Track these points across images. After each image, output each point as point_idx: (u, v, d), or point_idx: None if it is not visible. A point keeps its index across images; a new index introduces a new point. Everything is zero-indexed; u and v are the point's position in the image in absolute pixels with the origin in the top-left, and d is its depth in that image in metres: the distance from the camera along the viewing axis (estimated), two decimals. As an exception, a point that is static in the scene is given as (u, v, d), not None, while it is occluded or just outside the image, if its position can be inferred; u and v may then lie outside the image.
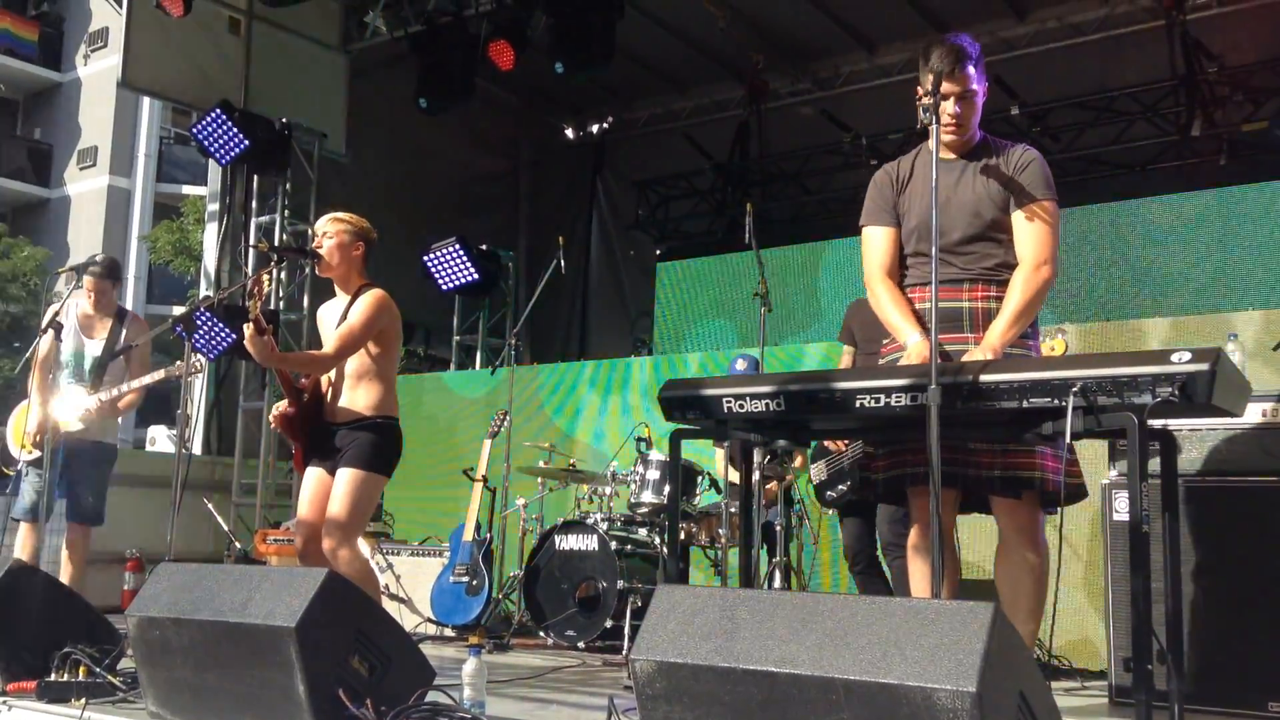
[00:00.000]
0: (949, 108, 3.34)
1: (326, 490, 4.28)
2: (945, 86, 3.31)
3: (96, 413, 5.47)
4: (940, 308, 3.35)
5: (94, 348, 5.67)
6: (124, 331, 5.72)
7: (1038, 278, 3.28)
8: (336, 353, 4.24)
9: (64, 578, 5.53)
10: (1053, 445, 3.21)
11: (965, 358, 3.21)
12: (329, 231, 4.43)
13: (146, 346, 5.78)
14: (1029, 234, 3.32)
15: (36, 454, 5.41)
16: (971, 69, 3.33)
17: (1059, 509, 3.36)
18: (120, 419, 5.85)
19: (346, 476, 4.21)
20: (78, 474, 5.54)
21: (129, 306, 5.99)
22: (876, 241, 3.55)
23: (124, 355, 5.63)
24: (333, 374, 4.38)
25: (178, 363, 5.42)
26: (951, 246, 3.38)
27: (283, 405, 4.36)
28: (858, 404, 3.13)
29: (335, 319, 4.41)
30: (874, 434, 3.59)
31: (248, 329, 4.05)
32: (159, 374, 5.50)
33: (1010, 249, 3.36)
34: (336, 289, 4.52)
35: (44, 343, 5.21)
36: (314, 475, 4.36)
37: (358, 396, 4.31)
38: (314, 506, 4.30)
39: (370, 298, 4.34)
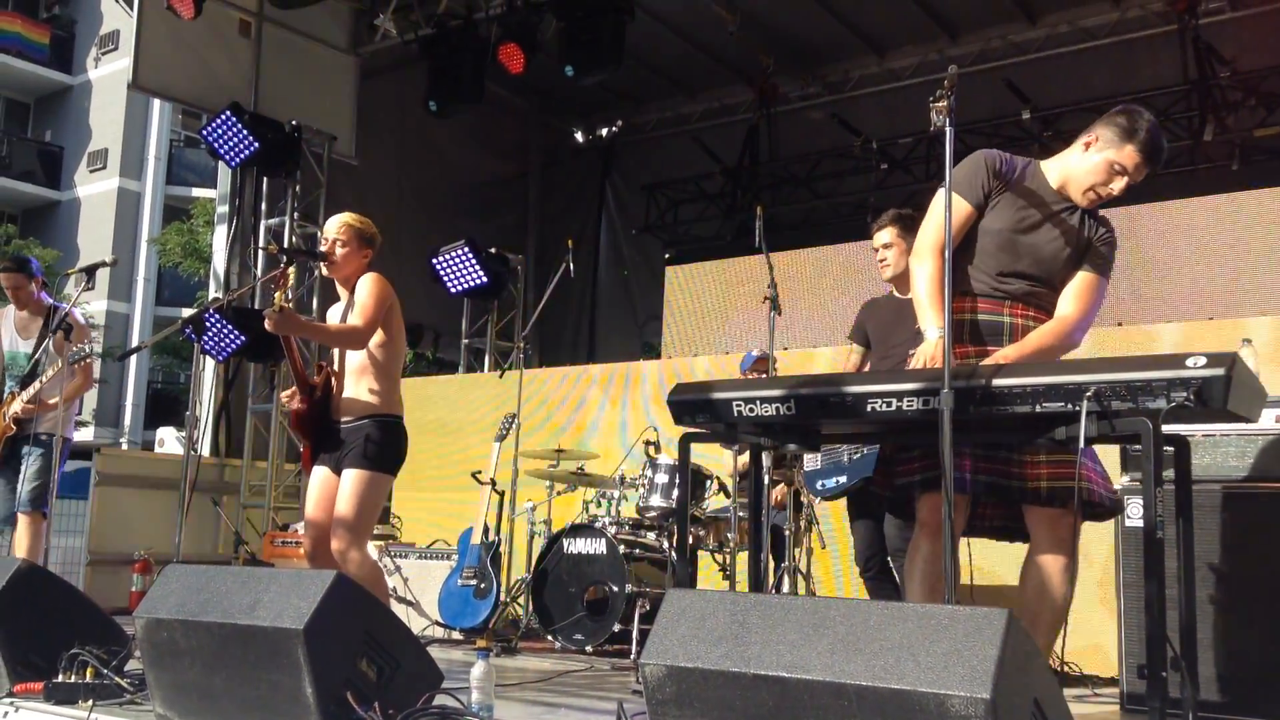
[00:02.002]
0: (1114, 187, 3.34)
1: (333, 490, 4.27)
2: (1138, 170, 3.32)
3: (25, 415, 5.52)
4: (982, 320, 3.38)
5: (27, 346, 5.75)
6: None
7: (1068, 341, 3.32)
8: (366, 325, 4.22)
9: None
10: (1090, 457, 3.19)
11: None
12: (340, 237, 4.45)
13: (81, 338, 5.72)
14: (1079, 299, 3.35)
15: None
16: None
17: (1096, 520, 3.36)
18: (71, 411, 5.78)
19: (351, 477, 4.20)
20: (21, 465, 5.57)
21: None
22: (953, 211, 3.26)
23: (57, 350, 5.53)
24: (337, 368, 4.40)
25: (79, 347, 5.33)
26: (1018, 264, 3.37)
27: (294, 402, 4.36)
28: (869, 408, 3.11)
29: (337, 317, 4.46)
30: (893, 438, 3.57)
31: (268, 311, 4.09)
32: (59, 364, 5.43)
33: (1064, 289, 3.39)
34: (340, 291, 4.54)
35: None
36: (320, 475, 4.35)
37: (361, 393, 4.31)
38: (321, 507, 4.29)
39: (370, 277, 4.35)
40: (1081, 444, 2.82)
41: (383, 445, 4.26)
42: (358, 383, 4.31)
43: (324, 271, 4.54)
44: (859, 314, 5.06)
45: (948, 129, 3.06)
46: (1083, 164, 3.37)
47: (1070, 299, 3.35)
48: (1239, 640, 3.88)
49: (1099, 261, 3.38)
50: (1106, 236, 3.41)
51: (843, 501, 5.54)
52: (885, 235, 4.70)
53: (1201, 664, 3.64)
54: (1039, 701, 2.15)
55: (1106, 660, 5.09)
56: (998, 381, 2.94)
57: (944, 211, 3.09)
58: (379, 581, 4.32)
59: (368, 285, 4.33)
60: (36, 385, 5.51)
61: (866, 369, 4.88)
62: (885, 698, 2.09)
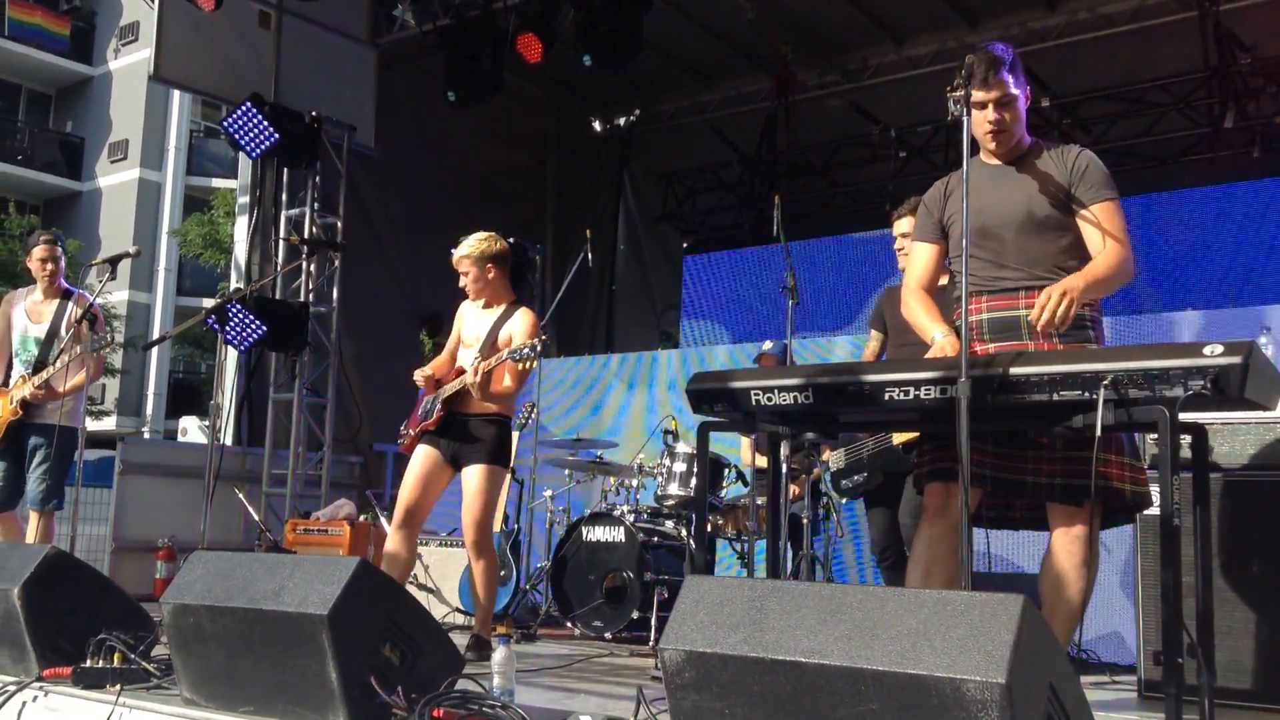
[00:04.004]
0: (988, 114, 3.32)
1: (434, 470, 4.76)
2: (981, 94, 3.29)
3: (33, 400, 5.53)
4: (996, 317, 3.36)
5: (38, 331, 5.74)
6: (69, 311, 5.73)
7: (1121, 253, 3.24)
8: (516, 385, 4.73)
9: None
10: (1116, 452, 3.19)
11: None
12: (462, 269, 4.86)
13: (99, 329, 5.72)
14: (1104, 235, 3.28)
15: None
16: (1007, 74, 3.29)
17: (1128, 520, 3.36)
18: (79, 401, 5.76)
19: (479, 472, 4.70)
20: (31, 459, 5.57)
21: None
22: (919, 257, 3.57)
23: (72, 335, 5.58)
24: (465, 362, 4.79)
25: (94, 337, 5.41)
26: (1003, 245, 3.35)
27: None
28: (886, 396, 3.12)
29: (480, 326, 4.87)
30: (912, 427, 3.58)
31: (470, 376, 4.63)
32: (75, 350, 5.48)
33: (1066, 247, 3.33)
34: (484, 304, 4.96)
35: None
36: (426, 453, 4.77)
37: (493, 394, 4.73)
38: (421, 483, 4.75)
39: (529, 325, 4.76)
40: (1099, 432, 2.83)
41: (501, 443, 4.78)
42: (492, 383, 4.70)
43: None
44: (878, 300, 5.08)
45: (965, 118, 3.07)
46: (972, 125, 3.38)
47: (1099, 239, 3.28)
48: (1257, 628, 3.89)
49: (1091, 188, 3.30)
50: (1078, 162, 3.33)
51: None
52: (905, 224, 4.71)
53: (1219, 651, 3.65)
54: (1054, 687, 2.17)
55: (1125, 648, 5.10)
56: (1014, 370, 2.95)
57: (942, 250, 3.10)
58: (496, 574, 4.91)
59: (526, 338, 4.66)
60: (49, 371, 5.49)
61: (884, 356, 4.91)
62: (901, 682, 2.12)
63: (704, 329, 10.72)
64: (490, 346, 4.75)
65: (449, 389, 4.76)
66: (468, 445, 4.74)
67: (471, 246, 4.85)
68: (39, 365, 5.62)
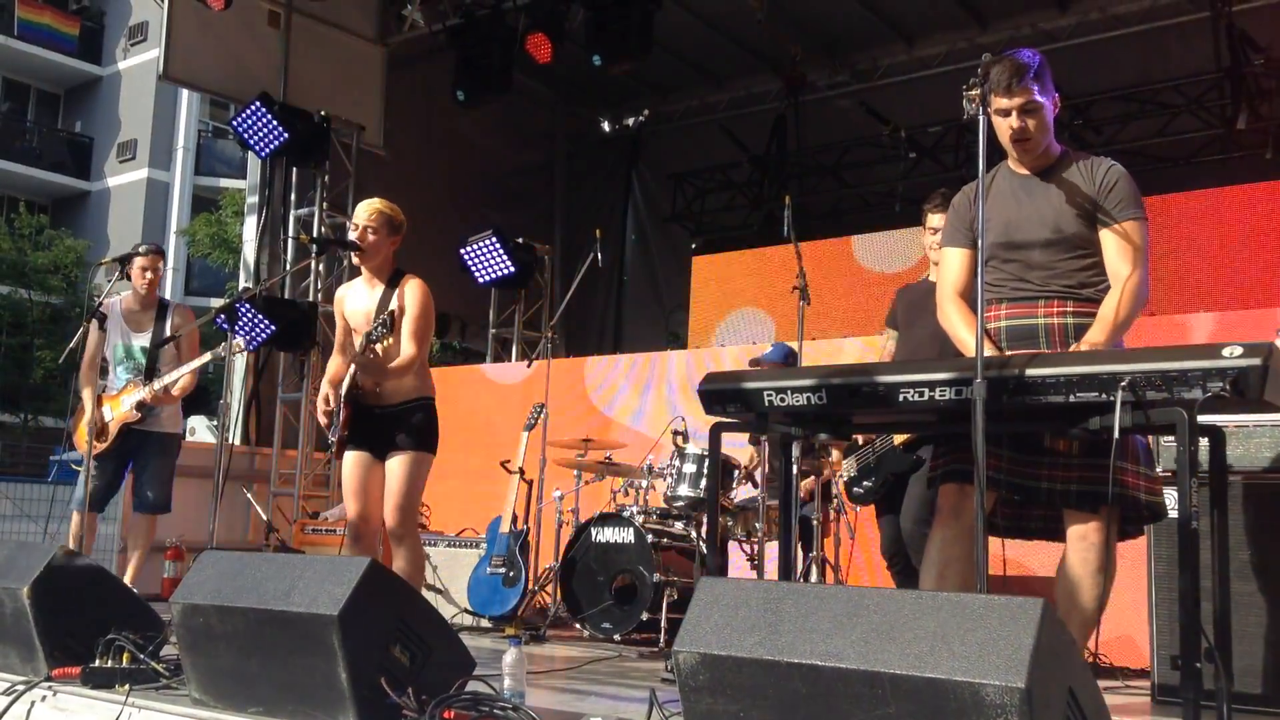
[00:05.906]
0: (1011, 122, 3.29)
1: (368, 473, 4.46)
2: (1005, 101, 3.26)
3: (152, 402, 5.60)
4: (1014, 325, 3.34)
5: (142, 340, 5.85)
6: (169, 320, 5.87)
7: (1139, 298, 3.23)
8: (418, 350, 4.43)
9: (130, 566, 5.79)
10: (1133, 461, 3.16)
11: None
12: (371, 224, 4.51)
13: (195, 333, 5.95)
14: (1122, 254, 3.25)
15: (99, 447, 5.65)
16: (1032, 81, 3.25)
17: (1141, 530, 3.34)
18: (179, 407, 6.02)
19: (404, 460, 4.40)
20: (142, 465, 5.69)
21: (168, 298, 6.13)
22: (951, 262, 3.51)
23: (174, 343, 5.81)
24: (370, 356, 4.42)
25: (222, 344, 5.77)
26: (1029, 259, 3.33)
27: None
28: (901, 397, 3.10)
29: (365, 304, 4.51)
30: (923, 429, 3.55)
31: (358, 374, 4.34)
32: (205, 357, 5.69)
33: (1091, 265, 3.30)
34: (364, 273, 4.60)
35: (91, 336, 5.38)
36: (355, 460, 4.49)
37: (402, 381, 4.45)
38: (360, 491, 4.47)
39: (419, 288, 4.47)
40: (1116, 434, 2.80)
41: (427, 427, 4.49)
42: (391, 358, 4.43)
43: (354, 260, 4.58)
44: (893, 299, 5.07)
45: (980, 117, 3.04)
46: (997, 133, 3.36)
47: (1116, 258, 3.26)
48: (1270, 631, 3.85)
49: (1117, 204, 3.27)
50: (1107, 177, 3.31)
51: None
52: (938, 219, 4.66)
53: (1235, 656, 3.62)
54: (1074, 691, 2.15)
55: (1137, 652, 5.07)
56: (1031, 371, 2.92)
57: (956, 251, 3.08)
58: (422, 565, 4.64)
59: (416, 298, 4.44)
60: (165, 380, 5.60)
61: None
62: (919, 686, 2.09)
63: (712, 329, 10.70)
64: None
65: (345, 383, 4.45)
66: (393, 437, 4.43)
67: (389, 206, 4.54)
68: (149, 373, 5.75)
